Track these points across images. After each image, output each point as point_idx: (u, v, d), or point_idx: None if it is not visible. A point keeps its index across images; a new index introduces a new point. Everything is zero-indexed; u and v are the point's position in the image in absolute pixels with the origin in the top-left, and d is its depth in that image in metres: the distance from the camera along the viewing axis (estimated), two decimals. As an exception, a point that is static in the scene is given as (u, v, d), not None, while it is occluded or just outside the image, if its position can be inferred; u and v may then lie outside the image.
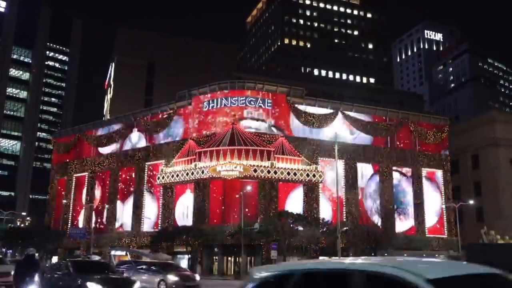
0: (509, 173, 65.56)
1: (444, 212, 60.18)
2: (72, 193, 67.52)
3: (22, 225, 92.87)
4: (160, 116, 60.27)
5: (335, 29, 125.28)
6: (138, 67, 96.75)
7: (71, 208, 67.07)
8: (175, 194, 56.35)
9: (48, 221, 69.42)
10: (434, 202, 60.31)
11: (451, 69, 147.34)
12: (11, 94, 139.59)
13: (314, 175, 52.93)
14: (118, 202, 62.10)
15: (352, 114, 58.54)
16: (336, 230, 42.11)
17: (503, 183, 64.94)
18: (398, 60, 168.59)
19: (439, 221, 60.10)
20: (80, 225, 63.91)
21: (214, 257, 53.84)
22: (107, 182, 63.82)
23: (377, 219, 54.18)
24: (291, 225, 47.51)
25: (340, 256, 39.32)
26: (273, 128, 55.06)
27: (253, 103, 55.14)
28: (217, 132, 54.39)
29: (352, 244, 48.96)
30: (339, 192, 43.47)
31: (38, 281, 16.94)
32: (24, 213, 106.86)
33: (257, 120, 54.64)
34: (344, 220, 52.43)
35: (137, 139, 62.24)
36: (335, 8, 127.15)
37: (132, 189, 61.06)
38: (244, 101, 55.06)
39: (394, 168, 59.09)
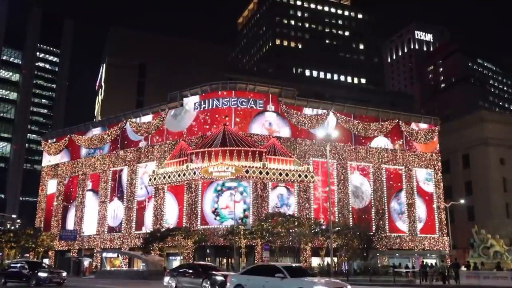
0: (499, 172, 66.13)
1: (436, 211, 60.47)
2: (63, 195, 67.05)
3: (12, 227, 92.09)
4: (151, 117, 60.01)
5: (326, 30, 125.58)
6: (129, 68, 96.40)
7: (61, 210, 66.60)
8: (167, 195, 56.12)
9: (38, 224, 68.86)
10: (425, 202, 60.58)
11: (441, 69, 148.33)
12: (0, 96, 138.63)
13: (306, 176, 52.96)
14: (110, 203, 61.72)
15: (343, 114, 58.69)
16: (328, 230, 42.24)
17: (493, 182, 65.48)
18: (389, 60, 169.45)
19: (430, 220, 60.36)
20: (71, 227, 63.47)
21: (206, 258, 53.66)
22: (98, 183, 63.45)
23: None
24: (283, 226, 47.55)
25: (332, 256, 39.42)
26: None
27: (244, 104, 55.11)
28: (209, 133, 54.29)
29: (344, 245, 49.02)
30: (330, 192, 43.55)
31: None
32: (14, 216, 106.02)
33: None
34: (336, 220, 52.63)
35: (129, 140, 61.90)
36: (326, 9, 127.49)
37: (124, 190, 60.72)
38: (235, 102, 55.02)
39: (385, 167, 59.33)
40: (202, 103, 55.97)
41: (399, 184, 59.82)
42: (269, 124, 55.68)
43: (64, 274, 30.18)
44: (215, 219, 52.43)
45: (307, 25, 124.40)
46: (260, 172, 51.07)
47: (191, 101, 56.84)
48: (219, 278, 25.18)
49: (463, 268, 38.74)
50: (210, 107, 55.49)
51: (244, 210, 52.07)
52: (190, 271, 27.52)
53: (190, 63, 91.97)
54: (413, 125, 62.02)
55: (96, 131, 65.77)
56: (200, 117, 55.86)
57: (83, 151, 66.11)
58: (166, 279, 28.67)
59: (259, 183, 52.54)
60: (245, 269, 21.41)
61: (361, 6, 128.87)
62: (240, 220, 49.94)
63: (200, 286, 25.49)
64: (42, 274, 27.85)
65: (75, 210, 64.65)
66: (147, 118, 60.37)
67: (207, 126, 55.10)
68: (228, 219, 51.50)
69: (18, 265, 30.39)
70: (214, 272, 26.50)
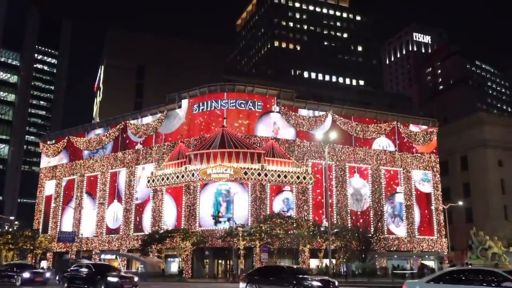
0: (497, 174, 66.20)
1: (434, 213, 60.48)
2: (61, 196, 66.91)
3: (10, 229, 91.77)
4: (150, 119, 59.96)
5: (325, 32, 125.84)
6: (128, 69, 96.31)
7: (60, 212, 66.47)
8: (166, 197, 56.04)
9: (36, 225, 68.72)
10: (424, 204, 60.59)
11: (440, 71, 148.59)
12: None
13: (304, 177, 52.94)
14: (110, 205, 61.61)
15: (342, 116, 58.69)
16: (326, 232, 42.23)
17: (491, 184, 65.55)
18: (388, 62, 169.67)
19: (428, 222, 60.39)
20: (69, 229, 63.32)
21: (205, 260, 53.66)
22: (97, 185, 63.33)
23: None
24: (282, 227, 47.55)
25: (331, 258, 39.36)
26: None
27: (243, 106, 55.11)
28: (207, 134, 54.26)
29: (342, 246, 49.00)
30: (328, 194, 43.54)
31: None
32: (12, 217, 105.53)
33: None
34: (335, 222, 52.61)
35: (127, 141, 61.82)
36: (325, 10, 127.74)
37: (122, 192, 60.63)
38: (234, 104, 55.01)
39: (383, 169, 59.35)
40: (200, 105, 55.96)
41: (396, 186, 59.84)
42: (273, 123, 55.71)
43: (136, 279, 26.79)
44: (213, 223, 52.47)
45: (305, 27, 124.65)
46: (259, 174, 51.06)
47: (189, 103, 56.84)
48: (316, 283, 21.51)
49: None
50: (209, 108, 55.48)
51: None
52: (275, 275, 23.58)
53: (188, 65, 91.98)
54: (412, 126, 62.08)
55: (95, 132, 65.66)
56: (199, 118, 55.84)
57: (86, 152, 65.93)
58: (243, 285, 24.74)
59: (257, 185, 52.51)
60: (436, 274, 15.67)
61: (359, 8, 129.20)
62: (230, 221, 49.85)
63: None
64: (111, 279, 24.99)
65: (74, 211, 64.50)
66: (146, 120, 60.35)
67: (206, 128, 55.09)
68: (223, 223, 51.71)
69: (83, 268, 27.45)
70: (306, 276, 22.56)
